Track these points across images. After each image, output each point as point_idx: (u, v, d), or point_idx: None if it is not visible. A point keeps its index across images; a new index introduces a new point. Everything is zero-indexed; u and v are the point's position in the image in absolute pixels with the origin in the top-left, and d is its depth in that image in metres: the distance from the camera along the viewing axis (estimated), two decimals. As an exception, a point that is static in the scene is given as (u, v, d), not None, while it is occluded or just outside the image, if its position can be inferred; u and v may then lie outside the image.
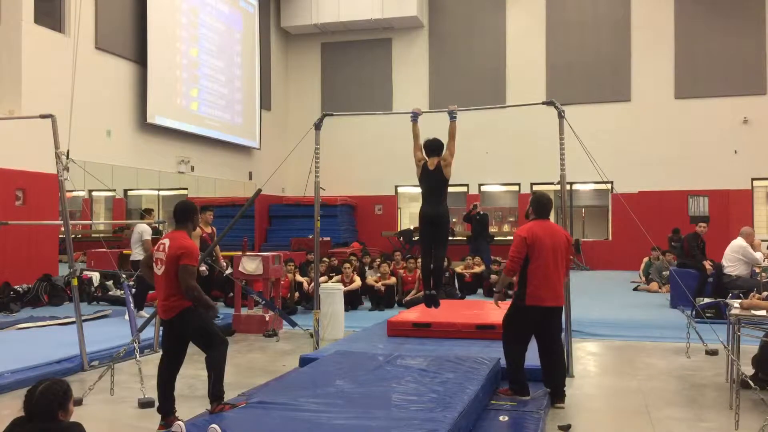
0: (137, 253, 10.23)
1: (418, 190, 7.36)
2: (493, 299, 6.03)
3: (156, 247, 5.08)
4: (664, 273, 13.64)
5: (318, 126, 8.14)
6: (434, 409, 4.45)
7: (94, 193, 23.05)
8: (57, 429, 3.24)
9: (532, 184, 19.32)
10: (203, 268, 9.27)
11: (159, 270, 4.98)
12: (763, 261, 10.57)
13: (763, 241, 16.83)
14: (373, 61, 20.91)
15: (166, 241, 4.99)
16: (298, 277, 11.68)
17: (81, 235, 21.66)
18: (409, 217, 21.45)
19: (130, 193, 23.27)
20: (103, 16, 13.94)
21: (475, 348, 6.96)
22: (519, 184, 20.00)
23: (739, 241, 10.18)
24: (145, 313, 9.60)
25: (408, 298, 11.82)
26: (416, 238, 19.43)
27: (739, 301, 6.05)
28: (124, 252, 14.69)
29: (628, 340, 8.79)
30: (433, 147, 7.04)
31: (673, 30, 18.84)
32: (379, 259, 13.34)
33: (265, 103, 20.12)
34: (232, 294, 10.79)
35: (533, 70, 19.58)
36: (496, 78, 19.78)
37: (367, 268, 12.94)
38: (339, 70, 21.27)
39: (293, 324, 8.89)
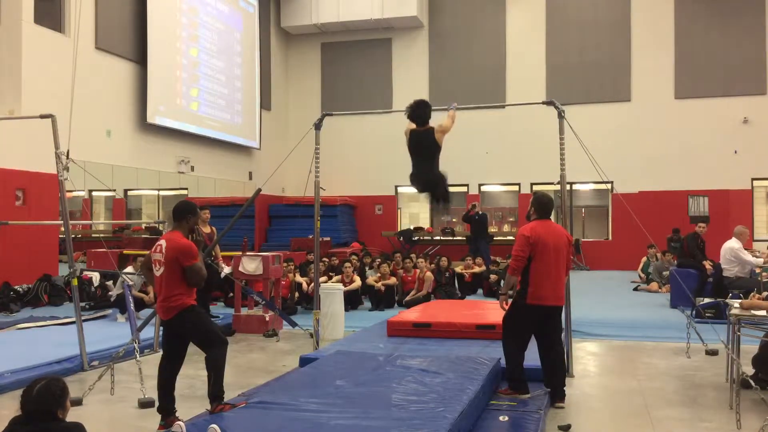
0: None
1: (415, 189, 7.13)
2: (498, 301, 6.01)
3: (153, 249, 5.09)
4: (664, 273, 13.64)
5: (318, 126, 8.14)
6: (434, 409, 4.45)
7: (94, 193, 23.06)
8: (58, 429, 3.24)
9: (532, 184, 19.33)
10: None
11: (158, 271, 4.99)
12: (761, 261, 10.56)
13: (762, 241, 16.91)
14: (373, 61, 20.90)
15: (163, 242, 5.01)
16: (298, 278, 11.68)
17: (81, 235, 21.66)
18: (409, 217, 21.46)
19: (130, 193, 23.27)
20: (103, 16, 13.94)
21: (475, 348, 6.95)
22: (519, 184, 20.00)
23: (731, 243, 10.13)
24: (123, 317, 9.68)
25: (408, 298, 11.82)
26: (416, 237, 19.46)
27: (739, 301, 6.04)
28: (124, 252, 14.70)
29: (628, 340, 8.79)
30: (421, 111, 6.44)
31: (673, 30, 18.84)
32: (379, 259, 13.34)
33: (265, 103, 20.12)
34: (232, 294, 10.79)
35: (533, 70, 19.57)
36: (496, 78, 19.77)
37: (367, 268, 12.94)
38: (339, 70, 21.26)
39: (293, 324, 8.89)
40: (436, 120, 6.67)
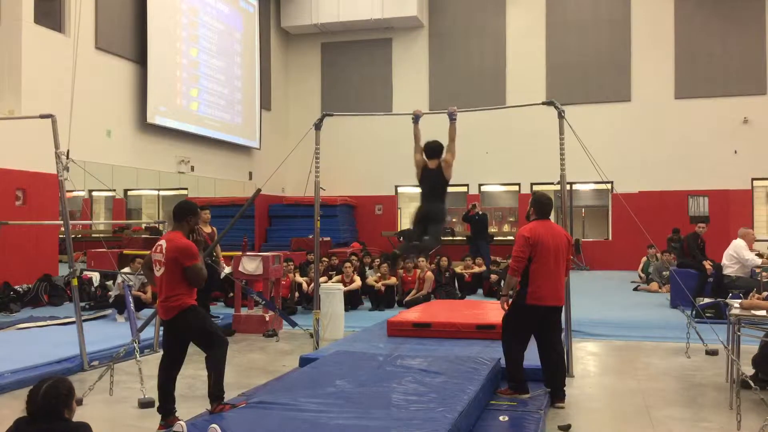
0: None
1: (419, 189, 7.33)
2: (499, 302, 6.01)
3: (153, 249, 5.08)
4: (664, 273, 13.64)
5: (318, 126, 8.15)
6: (434, 409, 4.45)
7: (94, 193, 23.08)
8: (65, 428, 3.24)
9: (532, 184, 19.33)
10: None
11: (158, 271, 4.99)
12: (759, 261, 10.57)
13: (763, 241, 16.91)
14: (373, 61, 20.90)
15: (163, 243, 5.00)
16: (298, 278, 11.68)
17: (81, 235, 21.67)
18: (409, 217, 21.45)
19: (130, 193, 23.29)
20: (103, 16, 13.94)
21: (475, 348, 6.96)
22: (519, 184, 20.00)
23: (738, 241, 10.20)
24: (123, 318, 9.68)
25: (408, 298, 11.82)
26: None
27: (739, 301, 6.05)
28: (124, 252, 14.70)
29: (628, 340, 8.79)
30: (433, 149, 7.02)
31: (673, 30, 18.83)
32: (378, 259, 13.34)
33: (265, 103, 20.12)
34: (232, 294, 10.79)
35: (533, 70, 19.57)
36: (496, 78, 19.77)
37: (367, 268, 12.94)
38: (339, 70, 21.26)
39: (293, 324, 8.90)
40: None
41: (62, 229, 10.38)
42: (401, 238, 19.14)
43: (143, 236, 19.36)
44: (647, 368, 7.18)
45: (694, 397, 6.04)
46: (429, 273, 12.21)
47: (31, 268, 12.08)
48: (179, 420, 4.62)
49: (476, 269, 13.64)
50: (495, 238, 18.27)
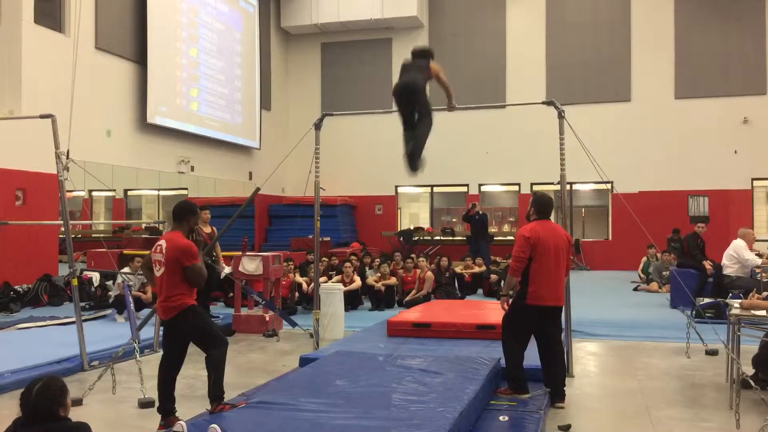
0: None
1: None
2: (499, 302, 6.00)
3: (153, 249, 5.08)
4: (664, 273, 13.64)
5: (318, 126, 8.15)
6: (434, 409, 4.45)
7: (94, 193, 23.06)
8: (64, 428, 3.23)
9: (532, 184, 19.33)
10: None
11: (158, 271, 4.99)
12: (759, 261, 10.57)
13: (763, 241, 16.91)
14: (373, 61, 20.88)
15: (163, 243, 5.00)
16: (298, 278, 11.68)
17: (81, 235, 21.67)
18: (409, 217, 21.45)
19: (130, 193, 23.28)
20: (103, 16, 13.94)
21: (475, 348, 6.95)
22: (519, 184, 19.99)
23: (738, 241, 10.20)
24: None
25: (408, 298, 11.82)
26: (416, 237, 19.44)
27: (739, 301, 6.04)
28: (124, 252, 14.70)
29: (628, 340, 8.79)
30: (421, 51, 7.01)
31: (673, 30, 18.83)
32: (378, 259, 13.34)
33: (265, 103, 20.12)
34: (232, 294, 10.79)
35: (533, 70, 19.57)
36: (496, 78, 19.76)
37: (367, 268, 12.94)
38: (339, 70, 21.26)
39: (293, 324, 8.90)
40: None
41: (62, 229, 10.38)
42: (401, 238, 19.18)
43: (143, 236, 19.35)
44: (647, 368, 7.18)
45: (694, 397, 6.04)
46: (429, 273, 12.21)
47: (31, 268, 12.08)
48: (179, 420, 4.62)
49: (476, 269, 13.63)
50: (495, 238, 18.28)
